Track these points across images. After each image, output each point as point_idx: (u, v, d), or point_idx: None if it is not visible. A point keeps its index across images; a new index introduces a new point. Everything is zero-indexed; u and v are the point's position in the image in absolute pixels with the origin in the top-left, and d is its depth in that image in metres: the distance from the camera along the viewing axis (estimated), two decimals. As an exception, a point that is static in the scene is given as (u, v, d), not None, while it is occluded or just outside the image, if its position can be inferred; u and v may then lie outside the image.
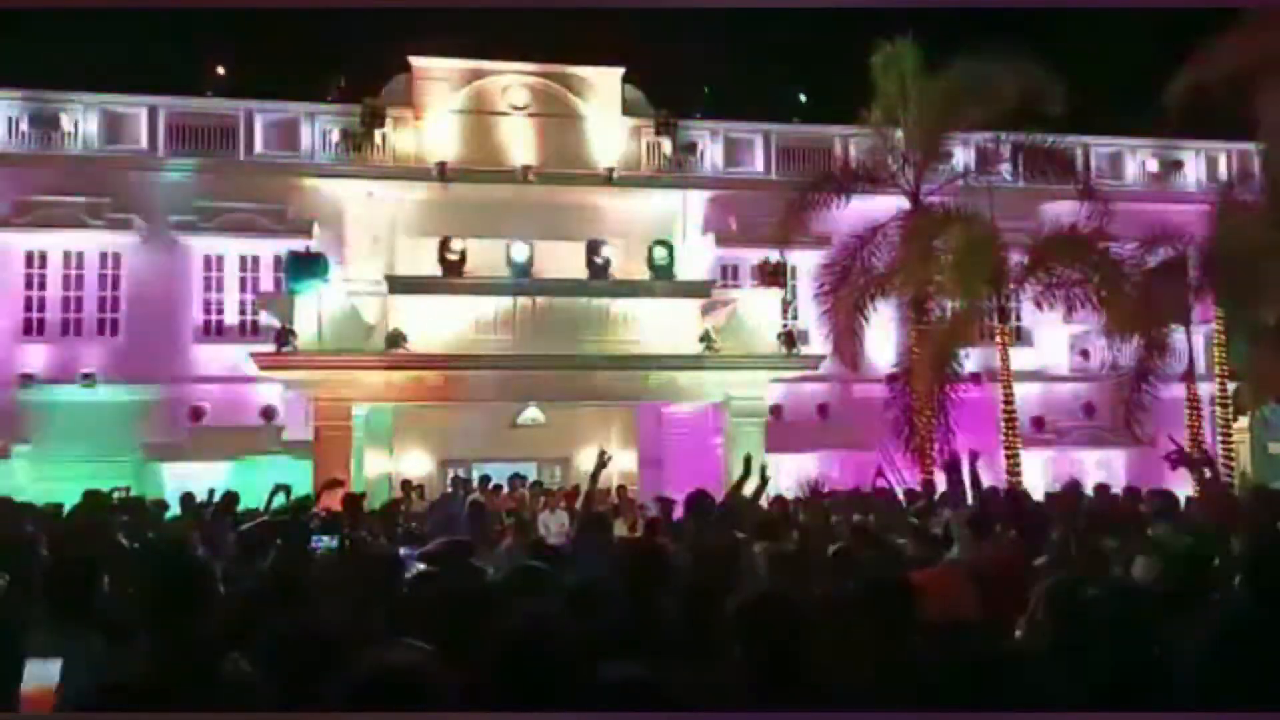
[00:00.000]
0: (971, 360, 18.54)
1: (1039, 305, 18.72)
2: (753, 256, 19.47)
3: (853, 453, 18.44)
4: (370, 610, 4.00)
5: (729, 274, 20.81)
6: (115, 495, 11.77)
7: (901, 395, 18.55)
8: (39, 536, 6.34)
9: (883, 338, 19.73)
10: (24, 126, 19.06)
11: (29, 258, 18.93)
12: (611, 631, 3.50)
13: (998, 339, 17.92)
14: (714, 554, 4.59)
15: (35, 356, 18.56)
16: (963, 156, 20.84)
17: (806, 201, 18.47)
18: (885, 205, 18.80)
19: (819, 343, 18.97)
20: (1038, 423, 20.88)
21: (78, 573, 4.04)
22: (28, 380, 18.18)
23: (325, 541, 4.41)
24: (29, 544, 5.47)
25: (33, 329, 18.85)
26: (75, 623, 3.92)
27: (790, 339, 17.70)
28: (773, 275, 18.36)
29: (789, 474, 18.19)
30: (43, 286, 18.97)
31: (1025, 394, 19.29)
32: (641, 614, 3.90)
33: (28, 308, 18.90)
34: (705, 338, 16.89)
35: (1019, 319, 21.06)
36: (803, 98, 22.78)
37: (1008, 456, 17.20)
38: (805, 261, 20.21)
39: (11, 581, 4.91)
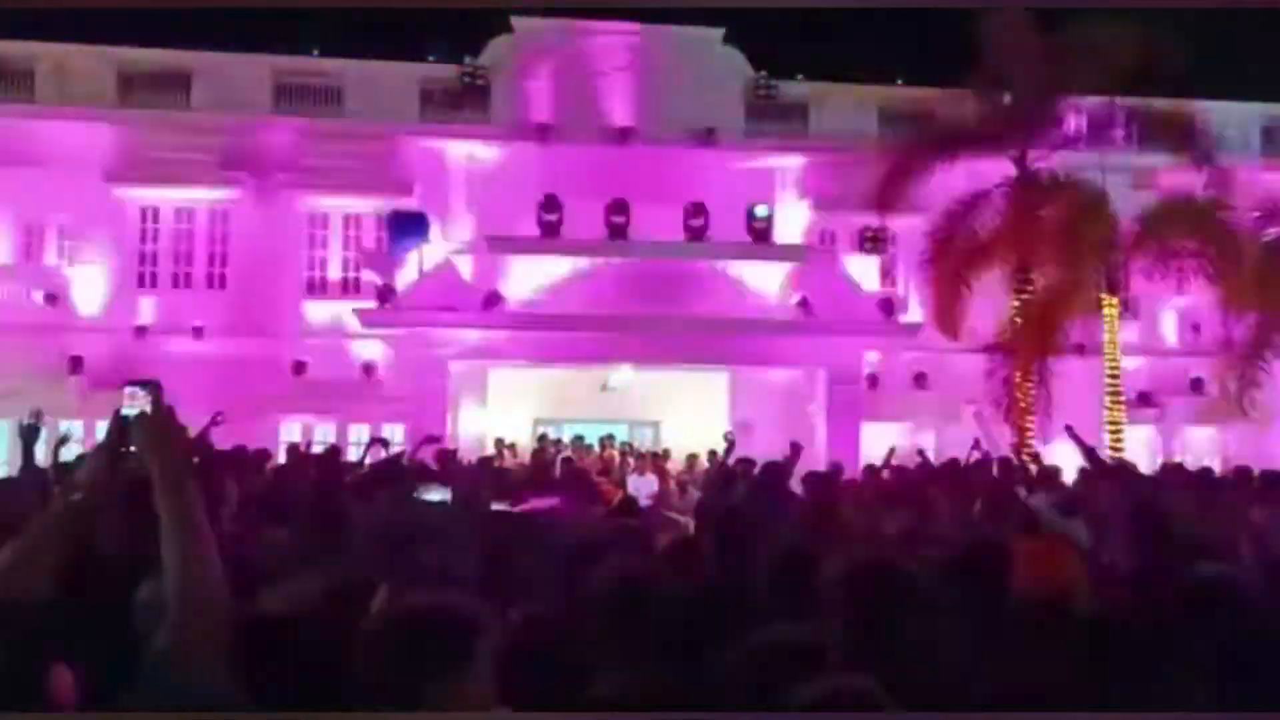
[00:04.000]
0: (1076, 332, 18.01)
1: (1149, 276, 18.06)
2: (852, 221, 19.16)
3: (949, 423, 18.13)
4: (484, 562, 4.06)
5: (827, 239, 20.53)
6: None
7: (1002, 366, 18.12)
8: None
9: (984, 307, 19.27)
10: (142, 85, 19.61)
11: (143, 213, 19.58)
12: (706, 591, 3.48)
13: (1105, 310, 17.36)
14: (813, 518, 4.55)
15: (148, 309, 19.21)
16: (1074, 121, 20.13)
17: (909, 166, 18.05)
18: (991, 171, 18.29)
19: (918, 310, 18.63)
20: (1144, 398, 20.25)
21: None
22: (141, 331, 18.84)
23: (432, 493, 4.48)
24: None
25: (145, 282, 19.53)
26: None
27: (889, 306, 17.41)
28: (872, 241, 18.05)
29: (884, 443, 18.00)
30: (155, 241, 19.62)
31: (1131, 368, 18.69)
32: (736, 575, 3.89)
33: (141, 261, 19.57)
34: (802, 303, 16.71)
35: (1127, 290, 20.35)
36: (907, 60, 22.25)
37: (1111, 432, 16.72)
38: (906, 227, 19.82)
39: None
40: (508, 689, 2.41)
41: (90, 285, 19.11)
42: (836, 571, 3.07)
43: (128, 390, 2.99)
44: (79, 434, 17.68)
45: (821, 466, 12.36)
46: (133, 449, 2.72)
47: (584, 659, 2.81)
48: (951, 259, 17.78)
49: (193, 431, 8.37)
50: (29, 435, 6.02)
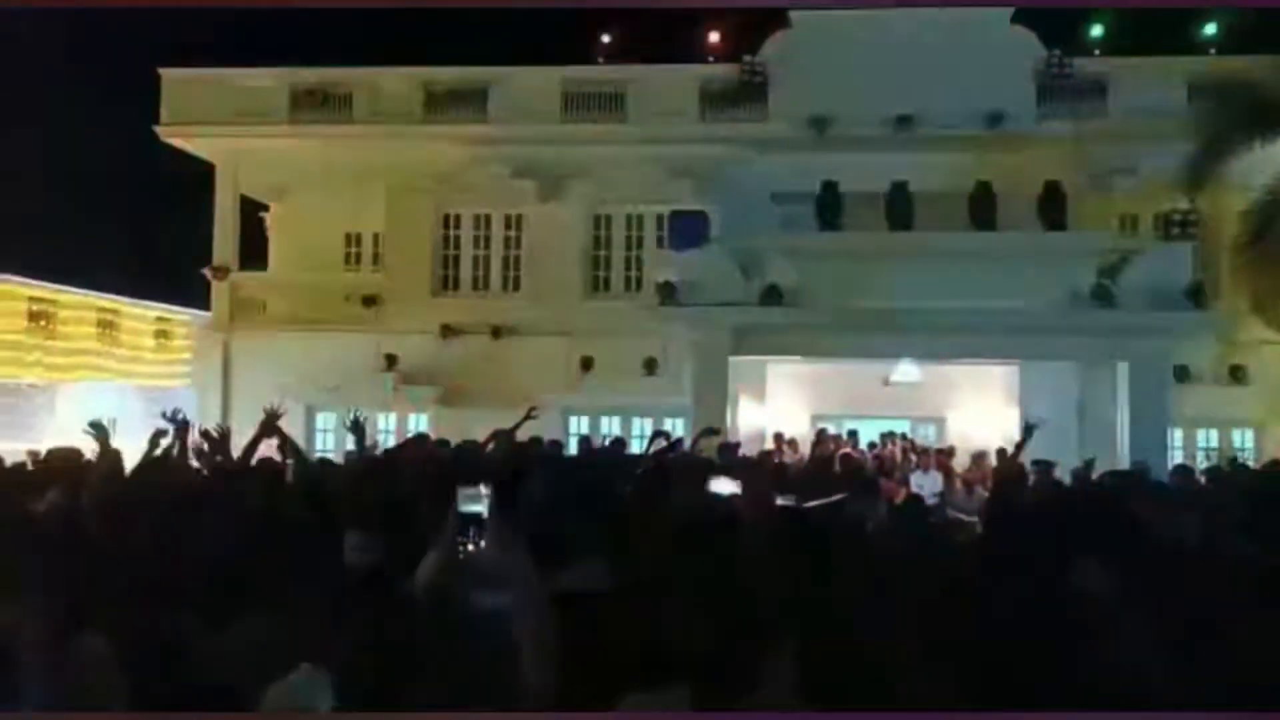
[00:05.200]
0: None
1: None
2: (1158, 205, 17.78)
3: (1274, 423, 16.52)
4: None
5: (1128, 223, 19.15)
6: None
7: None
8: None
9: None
10: (441, 101, 21.03)
11: (445, 219, 21.04)
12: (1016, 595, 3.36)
13: None
14: (1122, 521, 4.27)
15: (451, 309, 20.60)
16: None
17: (1224, 143, 16.53)
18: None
19: (1234, 299, 17.03)
20: None
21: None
22: (446, 330, 20.25)
23: (722, 482, 4.54)
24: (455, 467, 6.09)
25: (449, 284, 20.99)
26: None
27: (1199, 294, 16.03)
28: (1181, 225, 16.67)
29: (1194, 444, 16.65)
30: (457, 246, 21.05)
31: None
32: (1043, 577, 3.72)
33: (445, 265, 21.04)
34: (1101, 292, 15.67)
35: None
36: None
37: None
38: (1219, 208, 18.17)
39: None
40: (813, 687, 2.42)
41: (402, 289, 20.70)
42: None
43: None
44: (392, 425, 19.31)
45: (1124, 467, 11.60)
46: None
47: (897, 659, 2.78)
48: (1273, 242, 16.15)
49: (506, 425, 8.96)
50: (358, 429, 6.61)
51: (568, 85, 20.69)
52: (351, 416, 7.72)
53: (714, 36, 21.44)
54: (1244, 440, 18.28)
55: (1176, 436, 17.41)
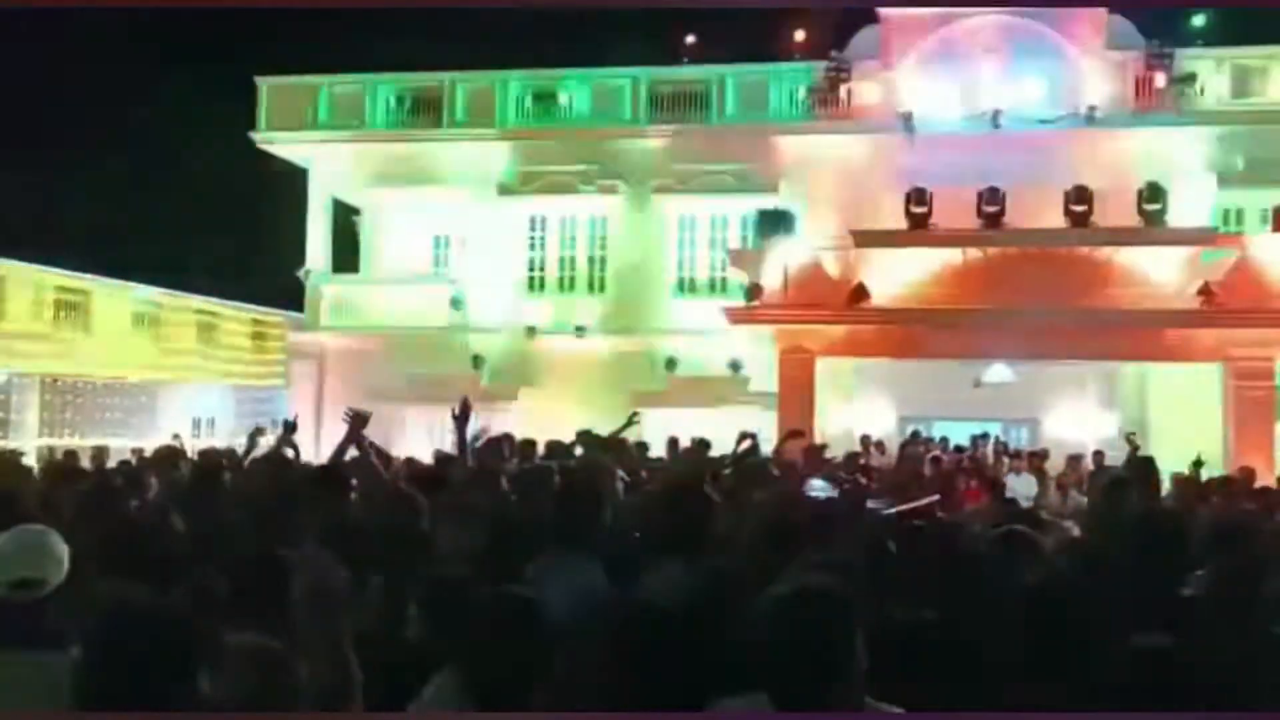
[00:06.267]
0: None
1: None
2: (1265, 198, 17.10)
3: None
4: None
5: (1233, 219, 18.48)
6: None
7: None
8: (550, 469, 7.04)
9: None
10: (527, 104, 21.26)
11: (531, 221, 21.20)
12: (1129, 601, 3.26)
13: None
14: (1236, 528, 4.12)
15: (537, 309, 20.76)
16: None
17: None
18: None
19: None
20: None
21: (586, 504, 4.41)
22: (532, 331, 20.40)
23: (820, 484, 4.48)
24: (541, 473, 6.09)
25: (535, 285, 21.14)
26: (580, 551, 4.26)
27: (1309, 292, 15.39)
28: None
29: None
30: (543, 247, 21.20)
31: None
32: (1156, 584, 3.61)
33: (531, 266, 21.20)
34: (1204, 291, 15.14)
35: None
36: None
37: None
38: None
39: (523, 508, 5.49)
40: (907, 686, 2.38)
41: (489, 290, 20.92)
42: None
43: None
44: (480, 425, 19.49)
45: (1228, 472, 11.17)
46: None
47: (993, 662, 2.72)
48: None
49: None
50: (462, 422, 6.58)
51: (653, 86, 20.71)
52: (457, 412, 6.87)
53: (799, 34, 21.28)
54: None
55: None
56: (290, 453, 7.10)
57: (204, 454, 9.04)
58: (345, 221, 23.59)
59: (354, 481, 5.72)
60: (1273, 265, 15.60)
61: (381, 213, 23.06)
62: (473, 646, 2.88)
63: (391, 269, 22.39)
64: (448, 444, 10.95)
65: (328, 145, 21.63)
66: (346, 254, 23.29)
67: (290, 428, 6.88)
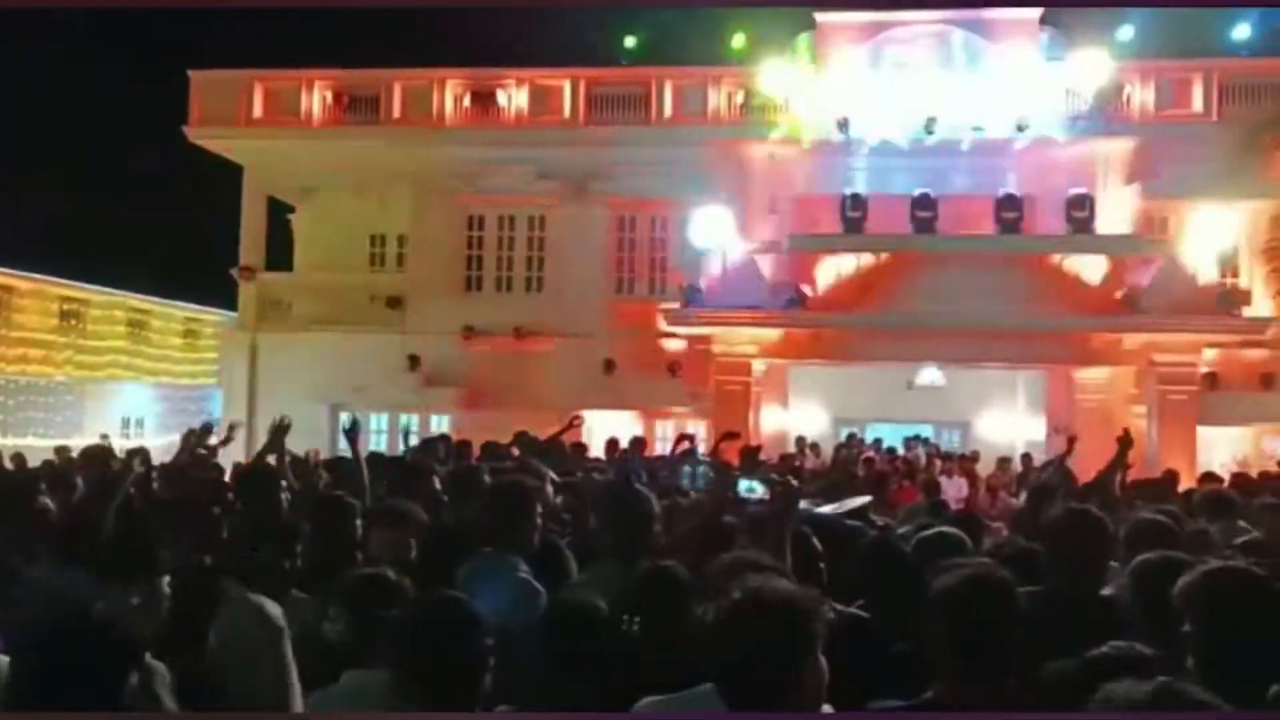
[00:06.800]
0: None
1: None
2: (1186, 208, 17.61)
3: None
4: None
5: (1157, 227, 18.97)
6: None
7: (1371, 365, 16.10)
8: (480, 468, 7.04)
9: (1348, 299, 17.22)
10: (466, 103, 21.14)
11: (470, 221, 21.07)
12: (1053, 602, 3.36)
13: None
14: (1156, 529, 4.26)
15: (475, 311, 20.64)
16: None
17: (1254, 145, 16.41)
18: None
19: (1265, 304, 16.86)
20: None
21: (515, 506, 4.42)
22: (469, 332, 20.28)
23: (749, 485, 4.52)
24: (472, 474, 6.09)
25: (472, 285, 21.01)
26: (510, 553, 4.27)
27: (1230, 299, 15.88)
28: (1210, 229, 16.52)
29: (1224, 449, 16.47)
30: (481, 247, 21.07)
31: None
32: (1080, 585, 3.74)
33: (468, 266, 21.07)
34: (1128, 297, 15.55)
35: None
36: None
37: None
38: (1250, 213, 18.01)
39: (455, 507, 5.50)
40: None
41: (426, 289, 20.77)
42: (1195, 582, 2.90)
43: None
44: (415, 426, 19.35)
45: (1152, 474, 11.47)
46: None
47: (919, 660, 2.78)
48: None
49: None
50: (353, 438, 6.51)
51: (592, 87, 20.74)
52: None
53: (740, 38, 21.40)
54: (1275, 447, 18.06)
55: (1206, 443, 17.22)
56: (205, 455, 7.05)
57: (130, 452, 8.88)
58: (281, 219, 23.29)
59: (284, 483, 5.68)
60: (1194, 272, 16.07)
61: (318, 210, 22.81)
62: (404, 648, 2.89)
63: (327, 267, 22.13)
64: (382, 445, 10.88)
65: (262, 141, 21.32)
66: (282, 252, 22.99)
67: (206, 430, 6.81)
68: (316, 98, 21.36)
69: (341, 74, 21.56)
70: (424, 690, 2.79)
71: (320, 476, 7.03)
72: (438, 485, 5.95)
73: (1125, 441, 6.33)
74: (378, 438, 19.53)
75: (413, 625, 2.93)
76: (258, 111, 21.50)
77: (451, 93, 21.10)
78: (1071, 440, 7.78)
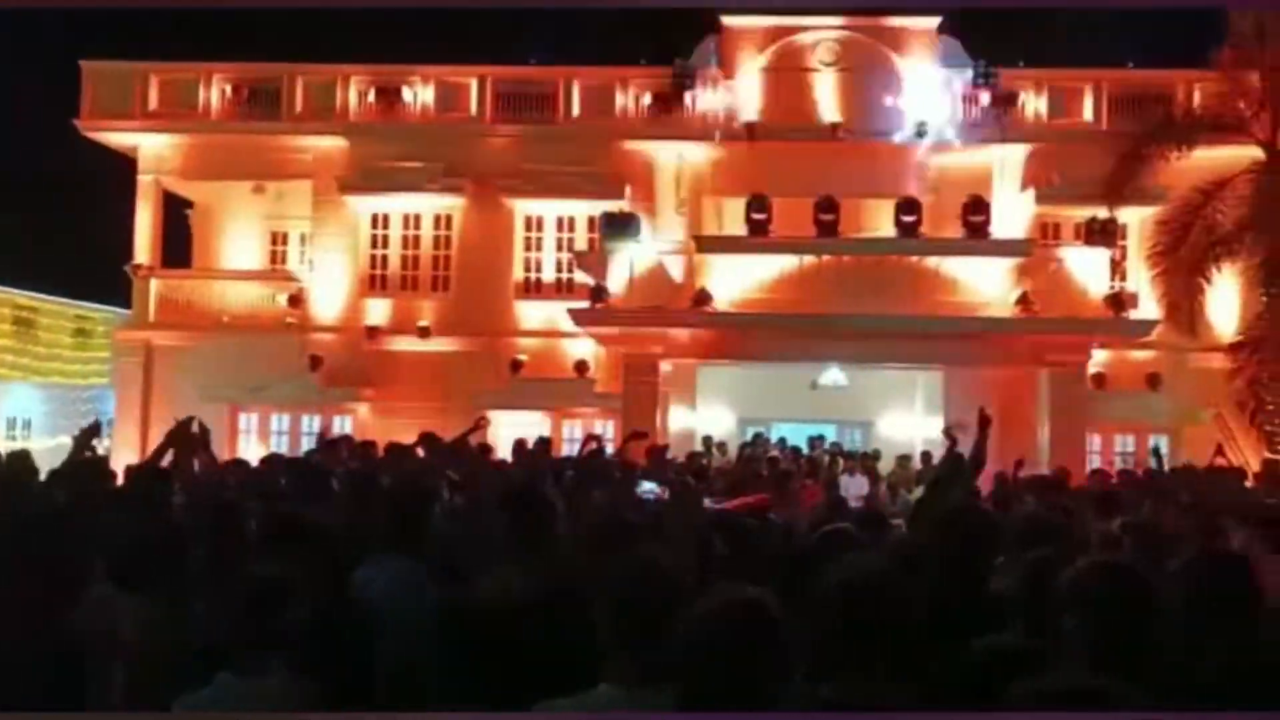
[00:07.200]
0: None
1: None
2: (1078, 213, 18.21)
3: (1186, 428, 17.03)
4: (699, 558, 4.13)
5: (1050, 232, 19.59)
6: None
7: (1247, 366, 16.84)
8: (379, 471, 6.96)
9: (1226, 303, 17.99)
10: (370, 99, 20.82)
11: (374, 219, 20.74)
12: (940, 596, 3.43)
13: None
14: (1046, 524, 4.39)
15: (378, 310, 20.34)
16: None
17: (1141, 154, 17.04)
18: (1234, 157, 17.05)
19: (1151, 307, 17.54)
20: None
21: (413, 508, 4.38)
22: (373, 331, 19.98)
23: (649, 485, 4.55)
24: (370, 477, 6.03)
25: (376, 285, 20.69)
26: (408, 554, 4.24)
27: (1118, 302, 16.47)
28: (1100, 234, 17.10)
29: (1111, 448, 17.07)
30: (385, 245, 20.75)
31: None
32: (968, 580, 3.82)
33: (372, 265, 20.74)
34: (1022, 299, 16.02)
35: (1397, 284, 18.44)
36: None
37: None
38: (1138, 219, 18.72)
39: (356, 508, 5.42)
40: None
41: (328, 288, 20.41)
42: (1076, 575, 2.99)
43: None
44: (316, 427, 18.99)
45: (1044, 471, 11.84)
46: None
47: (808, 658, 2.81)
48: (1189, 251, 16.69)
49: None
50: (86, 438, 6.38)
51: (498, 85, 20.62)
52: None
53: (647, 39, 21.48)
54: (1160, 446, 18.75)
55: (1095, 442, 17.83)
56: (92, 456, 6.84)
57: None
58: (177, 215, 22.65)
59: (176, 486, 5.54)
60: (1085, 275, 16.62)
61: (215, 206, 22.26)
62: (300, 650, 2.84)
63: (225, 265, 21.59)
64: (283, 446, 10.66)
65: (157, 135, 20.72)
66: (178, 248, 22.36)
67: (92, 431, 6.59)
68: (215, 91, 20.82)
69: (241, 67, 21.04)
70: (317, 693, 2.75)
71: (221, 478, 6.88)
72: (336, 487, 5.86)
73: (984, 420, 6.55)
74: (279, 439, 19.16)
75: (309, 627, 2.89)
76: (153, 104, 20.87)
77: (355, 88, 20.76)
78: (951, 435, 7.93)
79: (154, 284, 20.82)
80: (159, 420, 18.97)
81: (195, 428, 6.42)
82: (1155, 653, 2.81)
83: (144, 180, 21.06)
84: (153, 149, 20.89)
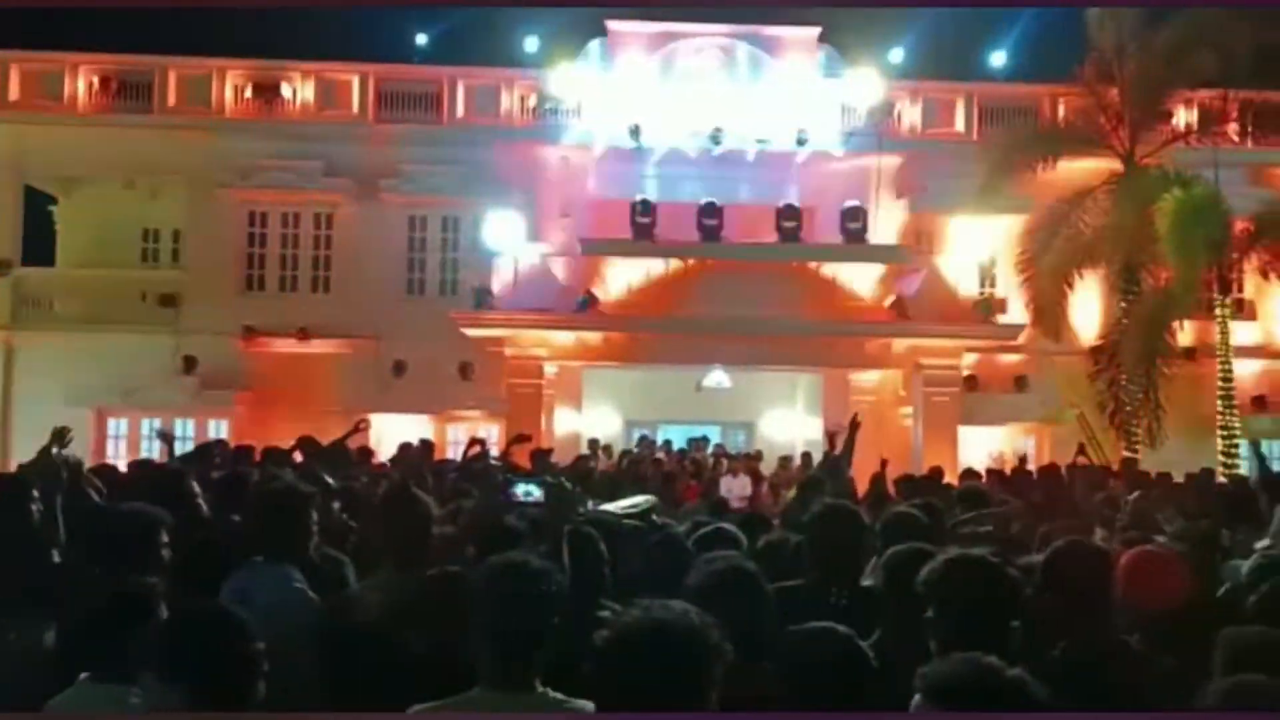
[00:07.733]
0: (1186, 333, 17.44)
1: (1265, 275, 17.42)
2: (949, 222, 18.84)
3: (1050, 427, 17.76)
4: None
5: (924, 239, 20.20)
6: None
7: (1108, 369, 17.66)
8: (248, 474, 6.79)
9: (1088, 308, 18.82)
10: (247, 94, 20.28)
11: (251, 217, 20.20)
12: (800, 592, 3.53)
13: (1217, 311, 16.77)
14: (905, 521, 4.53)
15: (256, 310, 19.80)
16: (1184, 116, 19.50)
17: (1009, 164, 17.72)
18: (1096, 168, 17.85)
19: (1018, 312, 18.25)
20: (1258, 402, 19.44)
21: (286, 514, 4.29)
22: (250, 331, 19.44)
23: (526, 488, 4.56)
24: (242, 482, 5.90)
25: (254, 284, 20.16)
26: (282, 561, 4.16)
27: (988, 307, 17.10)
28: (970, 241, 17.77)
29: (982, 447, 17.66)
30: (263, 244, 20.23)
31: (1246, 371, 18.06)
32: (829, 576, 3.93)
33: (249, 265, 20.20)
34: (897, 304, 16.50)
35: (1241, 290, 19.58)
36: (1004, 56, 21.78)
37: (1223, 438, 16.14)
38: (1007, 226, 19.45)
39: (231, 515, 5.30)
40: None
41: (203, 287, 19.78)
42: (934, 570, 3.11)
43: None
44: (191, 431, 18.41)
45: (918, 470, 12.21)
46: None
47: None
48: (1054, 258, 17.41)
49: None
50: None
51: (381, 83, 20.32)
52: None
53: (533, 41, 21.41)
54: (1027, 446, 19.51)
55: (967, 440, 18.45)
56: None
57: None
58: (41, 210, 21.67)
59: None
60: (956, 281, 17.22)
61: (83, 202, 21.39)
62: (164, 657, 2.79)
63: (94, 263, 20.76)
64: (154, 452, 10.31)
65: (18, 126, 19.82)
66: (42, 245, 21.39)
67: None
68: (82, 83, 20.03)
69: (111, 59, 20.31)
70: (190, 699, 2.70)
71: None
72: (197, 491, 5.69)
73: (854, 424, 6.83)
74: (149, 444, 18.49)
75: (171, 634, 2.84)
76: (14, 94, 19.98)
77: (232, 83, 20.22)
78: (854, 427, 8.18)
79: (14, 282, 19.95)
80: (20, 426, 18.18)
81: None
82: (1007, 643, 2.94)
83: (4, 173, 20.13)
84: (13, 141, 19.97)
